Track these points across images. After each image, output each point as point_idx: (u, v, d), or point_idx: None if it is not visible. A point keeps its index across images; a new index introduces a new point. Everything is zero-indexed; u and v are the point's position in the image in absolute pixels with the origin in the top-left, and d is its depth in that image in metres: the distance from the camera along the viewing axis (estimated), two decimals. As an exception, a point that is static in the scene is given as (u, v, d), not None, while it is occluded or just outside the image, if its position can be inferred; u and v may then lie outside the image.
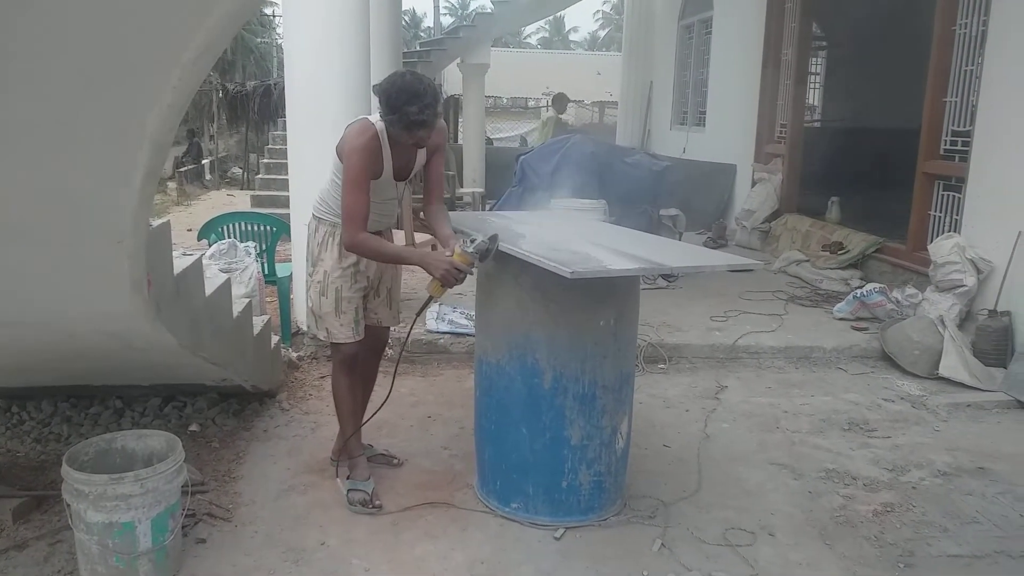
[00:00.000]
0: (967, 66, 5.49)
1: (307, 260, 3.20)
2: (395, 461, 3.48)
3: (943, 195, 5.79)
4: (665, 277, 6.42)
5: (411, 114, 2.76)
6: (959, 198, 5.55)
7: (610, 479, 3.05)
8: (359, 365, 3.27)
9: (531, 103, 25.00)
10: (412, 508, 3.10)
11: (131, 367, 3.40)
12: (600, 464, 2.99)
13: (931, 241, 5.62)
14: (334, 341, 3.15)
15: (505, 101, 25.18)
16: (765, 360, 5.03)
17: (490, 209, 8.59)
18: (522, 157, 7.18)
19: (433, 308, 5.24)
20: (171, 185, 14.33)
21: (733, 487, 3.37)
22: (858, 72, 9.82)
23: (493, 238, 2.83)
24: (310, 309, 3.20)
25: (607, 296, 2.87)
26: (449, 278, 2.85)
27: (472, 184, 12.03)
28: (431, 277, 2.92)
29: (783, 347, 5.09)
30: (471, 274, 2.91)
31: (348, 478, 3.19)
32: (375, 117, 2.96)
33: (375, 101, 2.95)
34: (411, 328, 3.36)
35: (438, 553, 2.82)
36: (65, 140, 1.84)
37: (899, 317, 5.30)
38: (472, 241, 2.82)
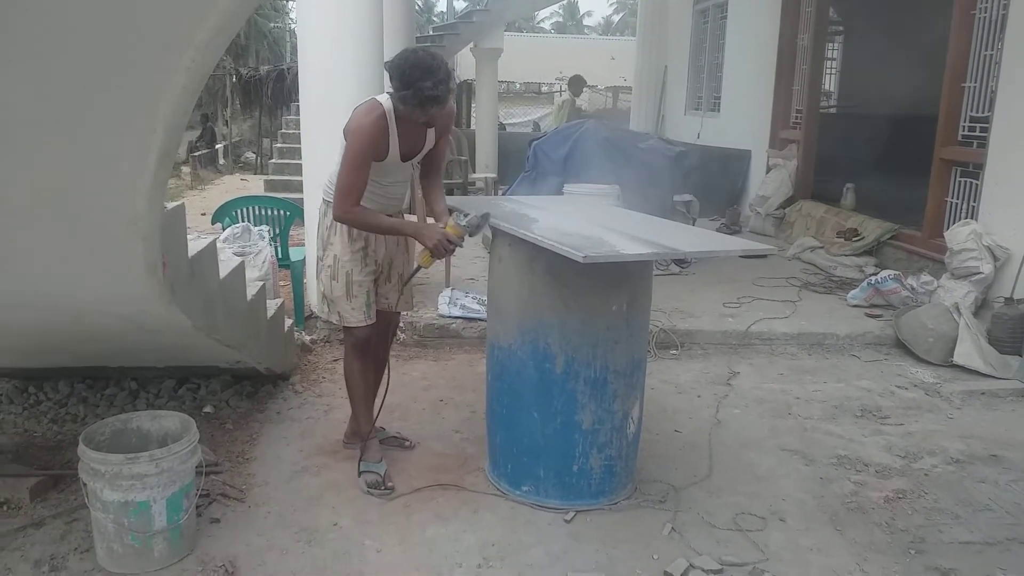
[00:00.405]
0: (987, 51, 5.42)
1: (317, 244, 3.21)
2: (407, 444, 3.50)
3: (960, 182, 5.74)
4: (678, 263, 6.40)
5: (425, 89, 2.76)
6: (977, 185, 5.50)
7: (621, 463, 3.06)
8: (371, 349, 3.27)
9: (544, 88, 24.90)
10: (423, 490, 3.13)
11: (145, 349, 3.43)
12: (611, 448, 3.00)
13: (947, 228, 5.57)
14: (346, 325, 3.16)
15: (518, 86, 25.09)
16: (778, 346, 5.02)
17: (502, 194, 8.58)
18: (535, 142, 7.16)
19: (446, 292, 5.26)
20: (185, 169, 14.41)
21: (744, 472, 3.38)
22: (875, 57, 9.70)
23: (485, 216, 2.94)
24: (322, 293, 3.21)
25: (620, 281, 2.87)
26: (440, 248, 2.94)
27: (485, 169, 12.01)
28: (422, 248, 3.00)
29: (796, 334, 5.08)
30: (460, 247, 3.01)
31: (361, 460, 3.21)
32: (384, 97, 2.96)
33: (387, 84, 2.95)
34: (400, 293, 3.29)
35: (449, 535, 2.84)
36: (79, 122, 1.85)
37: (914, 304, 5.27)
38: (465, 215, 2.94)
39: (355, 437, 3.36)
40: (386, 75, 2.88)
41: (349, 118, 2.97)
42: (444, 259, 3.05)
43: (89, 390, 3.90)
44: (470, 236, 2.99)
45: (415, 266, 3.13)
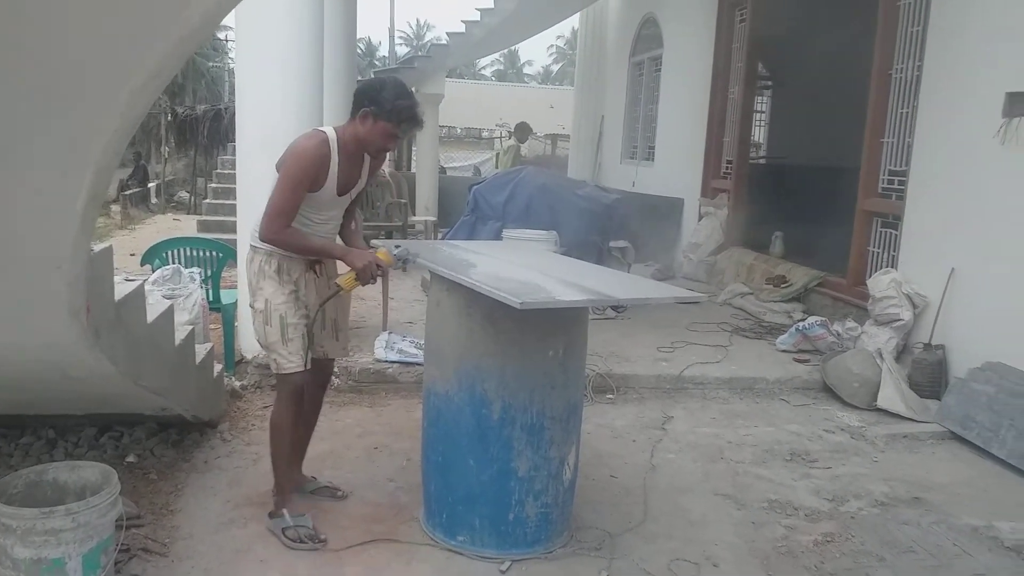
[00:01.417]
0: (903, 108, 5.72)
1: (249, 293, 3.13)
2: (339, 493, 3.41)
3: (881, 232, 5.99)
4: (614, 308, 6.49)
5: (404, 109, 2.83)
6: (896, 235, 5.75)
7: (557, 511, 3.05)
8: (306, 397, 3.19)
9: (485, 133, 25.20)
10: (356, 544, 3.05)
11: (67, 396, 3.29)
12: (547, 496, 2.99)
13: (870, 276, 5.80)
14: (283, 372, 3.05)
15: (459, 131, 25.34)
16: (710, 391, 5.11)
17: (442, 238, 8.59)
18: (475, 187, 7.22)
19: (383, 336, 5.21)
20: (115, 208, 14.03)
21: (678, 518, 3.40)
22: (802, 111, 10.14)
23: (415, 253, 3.06)
24: (259, 342, 3.12)
25: (556, 327, 2.90)
26: (367, 272, 2.97)
27: (425, 212, 12.02)
28: (346, 271, 3.02)
29: (728, 378, 5.18)
30: (381, 276, 3.08)
31: (281, 515, 3.06)
32: (328, 128, 2.95)
33: (327, 118, 2.97)
34: (335, 339, 3.30)
35: (382, 587, 2.77)
36: (4, 163, 1.80)
37: (839, 350, 5.44)
38: (397, 247, 3.05)
39: (277, 491, 3.16)
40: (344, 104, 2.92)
41: (284, 152, 2.94)
42: (368, 287, 3.09)
43: (2, 439, 3.71)
44: (400, 266, 3.06)
45: (334, 288, 3.08)
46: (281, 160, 2.93)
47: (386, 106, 2.82)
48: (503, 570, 2.89)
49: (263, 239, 2.93)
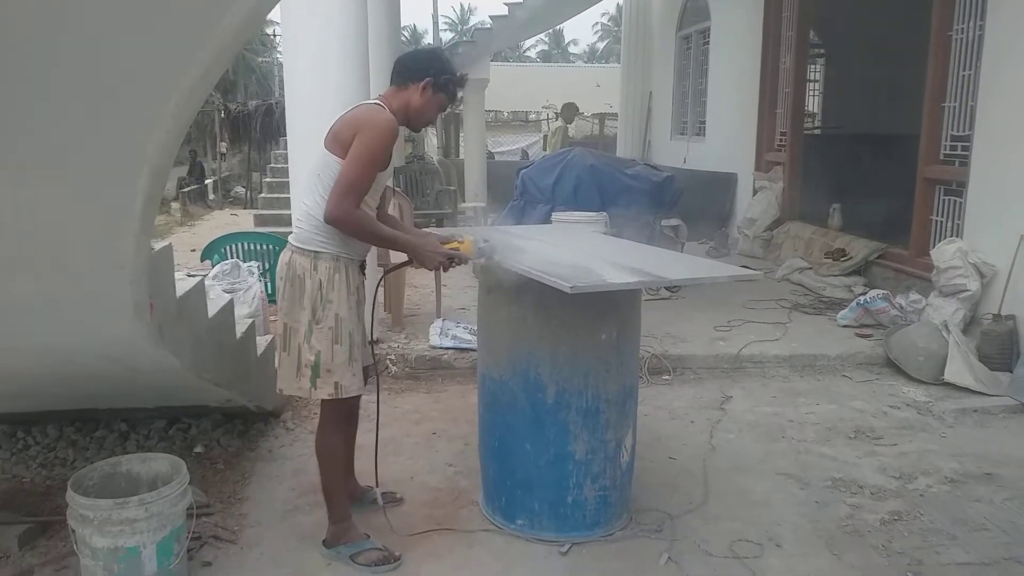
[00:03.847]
0: (965, 71, 5.50)
1: (299, 305, 2.68)
2: (397, 496, 3.30)
3: (944, 200, 5.79)
4: (668, 288, 6.42)
5: (461, 80, 2.78)
6: (960, 203, 5.55)
7: (615, 493, 3.04)
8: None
9: (531, 116, 25.07)
10: (418, 529, 3.09)
11: (135, 390, 3.40)
12: (605, 478, 2.98)
13: (933, 246, 5.62)
14: (344, 396, 2.73)
15: (506, 115, 25.26)
16: (770, 369, 5.02)
17: (491, 223, 8.61)
18: (523, 171, 7.20)
19: (437, 323, 5.26)
20: (175, 206, 14.42)
21: (739, 498, 3.36)
22: (857, 78, 9.84)
23: (499, 255, 2.83)
24: (310, 364, 2.68)
25: (608, 310, 2.88)
26: (436, 267, 2.81)
27: (474, 198, 12.06)
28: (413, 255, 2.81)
29: (787, 356, 5.08)
30: (455, 265, 2.85)
31: (343, 543, 2.84)
32: (377, 100, 2.77)
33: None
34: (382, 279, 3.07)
35: (444, 573, 2.81)
36: (64, 168, 1.85)
37: (903, 323, 5.29)
38: (485, 241, 2.84)
39: (333, 520, 2.89)
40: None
41: (342, 124, 2.67)
42: (419, 274, 2.92)
43: (78, 433, 3.87)
44: (480, 260, 2.84)
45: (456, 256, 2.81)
46: (335, 138, 2.65)
47: (449, 77, 2.72)
48: (563, 552, 2.90)
49: (330, 218, 2.55)
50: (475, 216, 9.56)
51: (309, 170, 2.76)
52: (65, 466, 3.62)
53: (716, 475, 3.57)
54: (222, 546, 2.96)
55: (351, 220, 2.58)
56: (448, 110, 2.81)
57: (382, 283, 2.90)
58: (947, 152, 5.75)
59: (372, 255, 3.05)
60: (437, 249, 2.76)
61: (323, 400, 2.79)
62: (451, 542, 3.00)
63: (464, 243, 2.81)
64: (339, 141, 2.63)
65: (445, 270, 2.89)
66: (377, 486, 3.07)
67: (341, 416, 2.86)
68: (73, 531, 2.52)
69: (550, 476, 2.95)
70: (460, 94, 2.81)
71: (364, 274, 2.88)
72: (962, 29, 5.53)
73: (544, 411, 2.90)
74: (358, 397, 2.91)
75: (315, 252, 2.67)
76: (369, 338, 2.98)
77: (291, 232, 2.80)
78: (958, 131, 5.61)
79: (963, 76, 5.52)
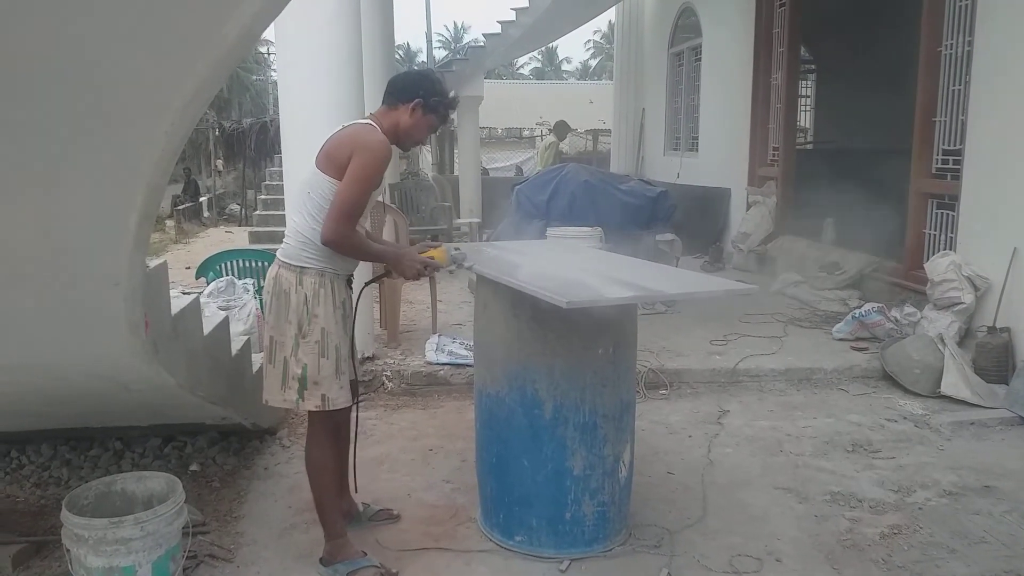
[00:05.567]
0: (955, 86, 5.55)
1: (285, 319, 2.71)
2: (394, 512, 3.28)
3: (937, 213, 5.82)
4: (664, 303, 6.42)
5: (452, 102, 2.84)
6: (953, 216, 5.58)
7: (614, 509, 3.03)
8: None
9: (525, 133, 25.20)
10: (415, 548, 3.07)
11: (129, 408, 3.39)
12: (603, 494, 2.97)
13: (927, 259, 5.64)
14: (331, 409, 2.77)
15: (500, 131, 25.38)
16: (766, 383, 5.02)
17: (487, 239, 8.62)
18: (518, 187, 7.22)
19: (433, 339, 5.25)
20: (169, 223, 14.42)
21: (738, 513, 3.35)
22: (848, 94, 9.91)
23: (471, 260, 3.06)
24: (297, 377, 2.71)
25: (605, 325, 2.87)
26: (414, 276, 2.89)
27: (469, 214, 12.09)
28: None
29: (784, 369, 5.09)
30: (430, 275, 3.09)
31: (339, 562, 2.80)
32: (369, 121, 2.80)
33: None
34: (359, 295, 3.00)
35: (442, 589, 2.79)
36: (59, 187, 1.85)
37: (899, 336, 5.30)
38: (456, 249, 3.07)
39: (329, 537, 2.87)
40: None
41: (335, 143, 2.70)
42: (417, 290, 3.13)
43: (73, 452, 3.84)
44: (452, 267, 3.07)
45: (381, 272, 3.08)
46: (328, 157, 2.68)
47: (440, 99, 2.76)
48: (562, 570, 2.88)
49: (328, 241, 2.61)
50: (470, 232, 9.58)
51: (298, 187, 2.81)
52: (59, 485, 3.59)
53: (714, 490, 3.56)
54: (218, 565, 2.93)
55: (347, 243, 2.67)
56: (439, 130, 2.84)
57: (365, 294, 3.05)
58: (939, 166, 5.79)
59: (361, 270, 3.09)
60: (415, 258, 2.88)
61: (311, 412, 2.83)
62: (449, 559, 2.98)
63: (438, 251, 2.97)
64: (332, 160, 2.67)
65: (419, 279, 2.97)
66: (356, 492, 3.14)
67: (329, 428, 2.88)
68: (68, 551, 2.50)
69: (548, 492, 2.93)
70: (452, 115, 2.82)
71: (351, 288, 2.92)
72: (951, 45, 5.58)
73: (541, 426, 2.89)
74: (347, 411, 2.97)
75: (301, 267, 2.72)
76: (356, 352, 3.03)
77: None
78: (949, 145, 5.64)
79: (953, 91, 5.56)
